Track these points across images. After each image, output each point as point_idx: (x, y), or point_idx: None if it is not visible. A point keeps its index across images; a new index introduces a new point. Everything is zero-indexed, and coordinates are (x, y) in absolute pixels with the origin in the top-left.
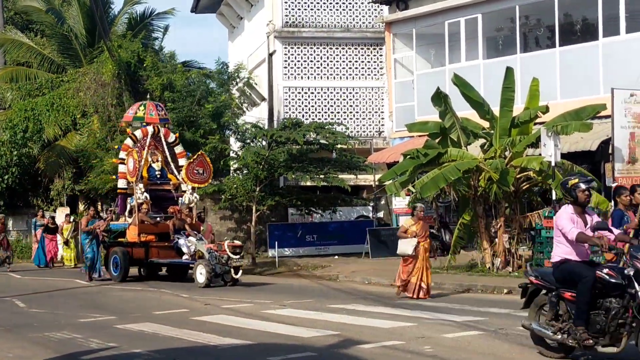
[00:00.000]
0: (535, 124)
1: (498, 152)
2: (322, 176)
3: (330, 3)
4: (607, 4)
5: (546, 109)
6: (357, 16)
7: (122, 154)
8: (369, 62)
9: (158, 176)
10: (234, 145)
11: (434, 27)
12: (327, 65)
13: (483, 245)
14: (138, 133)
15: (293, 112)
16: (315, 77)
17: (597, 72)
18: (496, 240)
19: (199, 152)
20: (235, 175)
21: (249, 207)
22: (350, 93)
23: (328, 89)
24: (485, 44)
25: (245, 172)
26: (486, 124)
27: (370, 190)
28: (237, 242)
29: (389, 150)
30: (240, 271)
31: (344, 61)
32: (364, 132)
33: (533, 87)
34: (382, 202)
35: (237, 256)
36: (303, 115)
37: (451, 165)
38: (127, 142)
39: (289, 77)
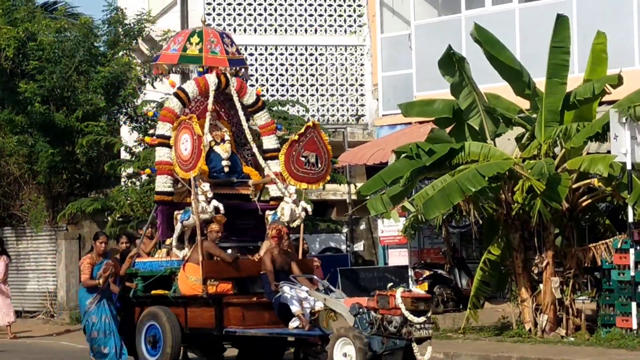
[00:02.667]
0: (601, 103)
1: (544, 148)
2: None
3: None
4: None
5: (619, 80)
6: None
7: (162, 127)
8: (340, 6)
9: (226, 170)
10: (128, 137)
11: None
12: (277, 12)
13: (521, 294)
14: (190, 87)
15: None
16: (258, 31)
17: None
18: (541, 286)
19: (309, 124)
20: (129, 185)
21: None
22: (312, 55)
23: (277, 49)
24: None
25: (145, 179)
26: (525, 104)
27: (344, 208)
28: (420, 292)
29: (373, 145)
30: (430, 349)
31: (301, 5)
32: (333, 116)
33: (598, 46)
34: (362, 226)
35: (423, 318)
36: None
37: (471, 169)
38: (170, 105)
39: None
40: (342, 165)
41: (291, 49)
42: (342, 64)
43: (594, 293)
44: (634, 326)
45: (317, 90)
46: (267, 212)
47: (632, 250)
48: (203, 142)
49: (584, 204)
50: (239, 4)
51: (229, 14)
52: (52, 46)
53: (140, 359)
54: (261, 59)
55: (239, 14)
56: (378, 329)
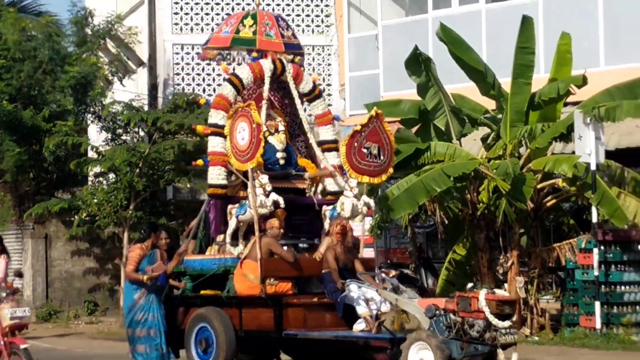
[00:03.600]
0: (566, 104)
1: (509, 148)
2: None
3: None
4: None
5: (583, 81)
6: None
7: (215, 116)
8: (308, 6)
9: (281, 162)
10: (96, 136)
11: None
12: (243, 10)
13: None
14: (244, 73)
15: (189, 84)
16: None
17: None
18: (506, 286)
19: (372, 113)
20: (97, 184)
21: (118, 235)
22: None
23: None
24: None
25: (112, 179)
26: (491, 104)
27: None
28: (505, 294)
29: (340, 144)
30: (516, 355)
31: (269, 5)
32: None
33: (563, 47)
34: None
35: (508, 322)
36: (204, 90)
37: (436, 169)
38: (224, 92)
39: (181, 29)
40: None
41: None
42: (310, 64)
43: (558, 293)
44: (598, 325)
45: None
46: (324, 207)
47: (595, 250)
48: (262, 131)
49: (548, 204)
50: (207, 3)
51: (197, 13)
52: (16, 45)
53: None
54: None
55: (207, 13)
56: (457, 333)
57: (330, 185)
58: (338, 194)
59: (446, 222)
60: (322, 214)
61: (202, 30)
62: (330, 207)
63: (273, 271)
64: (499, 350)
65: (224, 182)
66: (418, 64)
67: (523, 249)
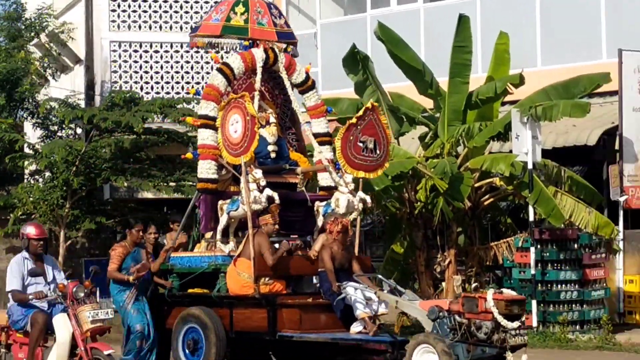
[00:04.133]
0: (503, 103)
1: (447, 147)
2: (172, 184)
3: None
4: None
5: (520, 80)
6: None
7: (205, 107)
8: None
9: (272, 156)
10: (31, 134)
11: None
12: (183, 9)
13: (423, 292)
14: (235, 62)
15: (126, 82)
16: (163, 28)
17: (597, 27)
18: (443, 284)
19: (367, 105)
20: (32, 182)
21: (55, 232)
22: (217, 53)
23: (182, 47)
24: None
25: (48, 177)
26: (429, 103)
27: None
28: (512, 293)
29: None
30: (525, 357)
31: (207, 2)
32: None
33: (500, 46)
34: None
35: (517, 323)
36: (142, 88)
37: None
38: (215, 82)
39: (119, 27)
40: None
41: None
42: None
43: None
44: (534, 324)
45: None
46: (317, 203)
47: (532, 249)
48: (257, 123)
49: (485, 202)
50: (144, 0)
51: (134, 10)
52: None
53: None
54: (166, 56)
55: (145, 11)
56: (463, 335)
57: (324, 180)
58: (331, 190)
59: (384, 220)
60: (314, 210)
61: (139, 27)
62: (324, 203)
63: (268, 270)
64: (508, 353)
65: (215, 176)
66: (356, 62)
67: (460, 248)
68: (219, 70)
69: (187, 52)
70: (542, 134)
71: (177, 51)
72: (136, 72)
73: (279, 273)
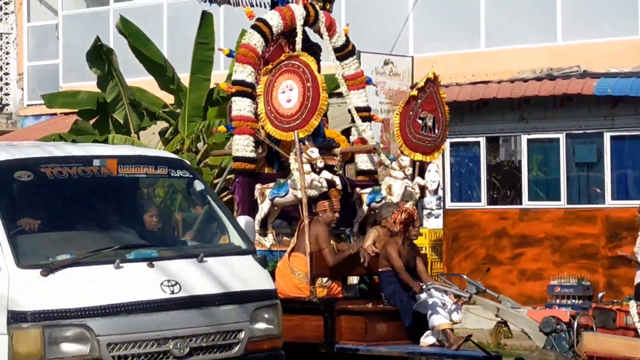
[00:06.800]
0: None
1: (187, 143)
2: None
3: None
4: None
5: None
6: None
7: (241, 72)
8: None
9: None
10: None
11: None
12: None
13: None
14: (274, 19)
15: None
16: None
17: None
18: None
19: (429, 76)
20: None
21: None
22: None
23: None
24: None
25: None
26: (170, 99)
27: None
28: None
29: (17, 135)
30: None
31: None
32: None
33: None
34: None
35: None
36: None
37: None
38: (251, 42)
39: None
40: None
41: None
42: None
43: None
44: None
45: None
46: (358, 190)
47: None
48: (323, 87)
49: (225, 199)
50: None
51: None
52: None
53: None
54: None
55: None
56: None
57: (363, 163)
58: (372, 174)
59: None
60: (355, 198)
61: None
62: (368, 190)
63: (327, 270)
64: None
65: (253, 155)
66: (99, 56)
67: None
68: (255, 27)
69: None
70: None
71: None
72: None
73: (338, 274)
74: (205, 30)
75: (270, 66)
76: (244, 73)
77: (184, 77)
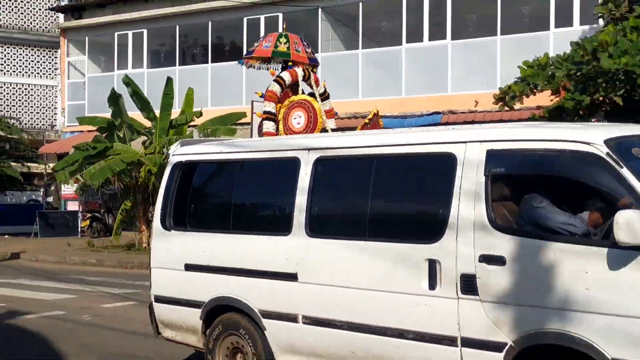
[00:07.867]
0: (189, 126)
1: (157, 148)
2: None
3: (9, 5)
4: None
5: (200, 114)
6: (35, 20)
7: (268, 106)
8: (44, 62)
9: None
10: None
11: (105, 37)
12: (4, 62)
13: (141, 228)
14: (286, 76)
15: None
16: None
17: (240, 86)
18: (152, 224)
19: (374, 111)
20: None
21: None
22: (25, 90)
23: (4, 85)
24: (150, 55)
25: None
26: (149, 124)
27: (42, 177)
28: None
29: (61, 143)
30: None
31: (21, 60)
32: (37, 125)
33: (188, 95)
34: (53, 188)
35: None
36: None
37: (117, 158)
38: (273, 88)
39: None
40: (43, 152)
41: (13, 85)
42: (45, 96)
43: None
44: None
45: (29, 110)
46: None
47: None
48: (321, 114)
49: None
50: None
51: None
52: None
53: None
54: None
55: None
56: None
57: None
58: None
59: (122, 187)
60: None
61: None
62: None
63: None
64: None
65: None
66: (114, 99)
67: None
68: (276, 80)
69: (9, 89)
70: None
71: (1, 87)
72: None
73: None
74: (169, 88)
75: (287, 102)
76: (270, 107)
77: (158, 112)
